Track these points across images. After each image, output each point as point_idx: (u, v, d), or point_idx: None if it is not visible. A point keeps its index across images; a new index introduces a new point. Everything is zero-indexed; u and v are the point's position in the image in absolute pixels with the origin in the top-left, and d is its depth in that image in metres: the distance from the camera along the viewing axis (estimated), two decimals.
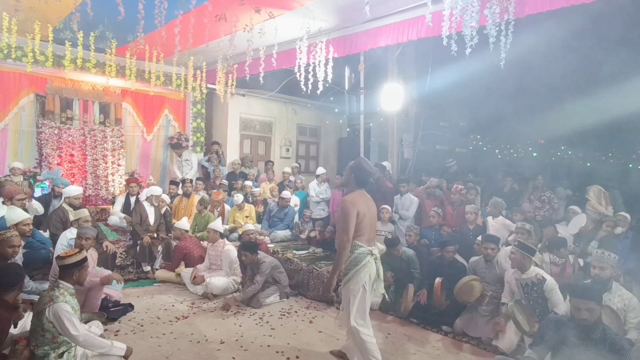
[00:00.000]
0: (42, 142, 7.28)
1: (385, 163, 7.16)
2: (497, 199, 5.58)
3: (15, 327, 3.02)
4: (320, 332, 4.19)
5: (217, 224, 5.63)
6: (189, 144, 8.89)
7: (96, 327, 3.49)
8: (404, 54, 7.37)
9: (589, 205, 5.64)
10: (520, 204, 6.06)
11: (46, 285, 4.26)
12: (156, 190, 6.44)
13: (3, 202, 4.90)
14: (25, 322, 3.37)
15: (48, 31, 5.78)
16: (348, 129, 11.22)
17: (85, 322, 3.52)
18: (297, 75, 5.91)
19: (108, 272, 4.73)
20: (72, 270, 3.14)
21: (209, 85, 8.11)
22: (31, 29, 5.58)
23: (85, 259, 3.29)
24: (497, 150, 10.21)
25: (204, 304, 4.91)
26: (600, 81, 7.14)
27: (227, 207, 7.30)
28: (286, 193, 7.18)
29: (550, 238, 4.64)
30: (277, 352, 3.73)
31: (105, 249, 5.23)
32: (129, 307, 4.53)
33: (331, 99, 9.96)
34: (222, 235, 5.67)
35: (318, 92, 6.05)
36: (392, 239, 4.80)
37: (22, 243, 4.22)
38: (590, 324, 2.61)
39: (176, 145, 8.60)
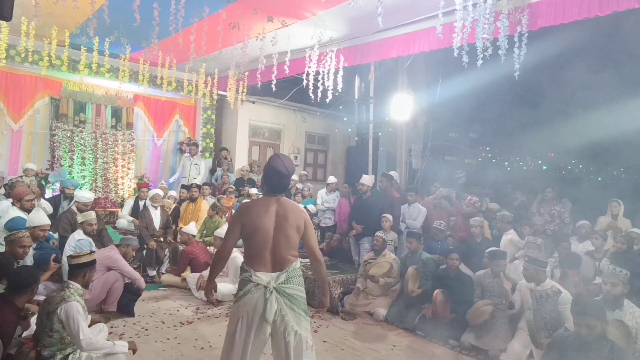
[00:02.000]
0: (55, 144, 7.41)
1: (392, 173, 7.14)
2: (505, 213, 5.52)
3: (20, 335, 3.03)
4: (324, 341, 4.15)
5: (223, 231, 5.64)
6: (198, 149, 8.98)
7: (100, 330, 3.49)
8: (414, 64, 7.39)
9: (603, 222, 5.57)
10: (529, 218, 5.99)
11: (52, 286, 4.30)
12: (156, 191, 6.53)
13: (12, 203, 4.97)
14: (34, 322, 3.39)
15: (65, 36, 5.91)
16: (357, 138, 11.24)
17: (89, 325, 3.53)
18: (307, 84, 5.96)
19: (136, 273, 4.80)
20: (82, 271, 3.17)
21: (220, 92, 8.21)
22: (48, 33, 5.72)
23: (94, 261, 3.32)
24: (506, 163, 10.14)
25: (209, 309, 4.89)
26: (612, 94, 7.09)
27: (234, 213, 7.30)
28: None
29: (567, 255, 4.57)
30: None
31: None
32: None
33: (340, 107, 10.00)
34: None
35: (327, 100, 6.08)
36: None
37: (34, 244, 4.26)
38: (593, 340, 2.55)
39: (194, 146, 8.69)
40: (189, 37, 5.04)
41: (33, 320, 3.34)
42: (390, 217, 5.91)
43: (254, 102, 9.56)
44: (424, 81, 8.08)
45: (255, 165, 9.35)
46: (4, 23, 5.27)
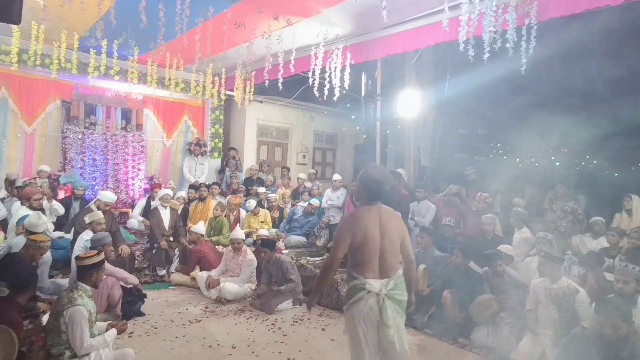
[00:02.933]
0: (67, 146, 7.52)
1: (400, 170, 7.08)
2: (519, 209, 5.42)
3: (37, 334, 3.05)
4: (332, 340, 4.13)
5: (240, 233, 5.61)
6: (207, 149, 9.03)
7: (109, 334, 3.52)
8: (422, 59, 7.31)
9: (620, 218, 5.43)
10: (541, 214, 5.87)
11: (62, 282, 4.37)
12: (165, 191, 6.59)
13: (22, 203, 5.07)
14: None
15: (74, 39, 5.99)
16: (364, 136, 11.18)
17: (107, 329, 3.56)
18: (313, 82, 5.93)
19: (124, 272, 4.83)
20: (90, 272, 3.20)
21: (227, 92, 8.23)
22: (58, 37, 5.80)
23: (103, 261, 3.35)
24: (517, 159, 9.96)
25: (217, 308, 4.93)
26: (628, 87, 6.90)
27: (242, 212, 7.35)
28: (315, 201, 7.19)
29: (588, 252, 4.47)
30: (288, 358, 3.69)
31: (119, 252, 5.32)
32: (144, 297, 4.62)
33: (348, 105, 9.96)
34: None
35: (335, 98, 6.05)
36: None
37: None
38: (616, 340, 2.48)
39: (197, 146, 8.75)
40: (194, 38, 5.06)
41: (45, 318, 3.40)
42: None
43: (261, 102, 9.57)
44: (432, 77, 7.98)
45: (264, 164, 9.39)
46: (15, 27, 5.36)
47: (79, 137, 7.64)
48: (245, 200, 7.67)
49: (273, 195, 7.88)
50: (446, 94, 7.56)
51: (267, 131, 10.02)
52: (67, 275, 4.83)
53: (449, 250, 5.17)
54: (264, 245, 5.12)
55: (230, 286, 5.17)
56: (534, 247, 4.79)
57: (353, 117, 10.68)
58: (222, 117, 9.55)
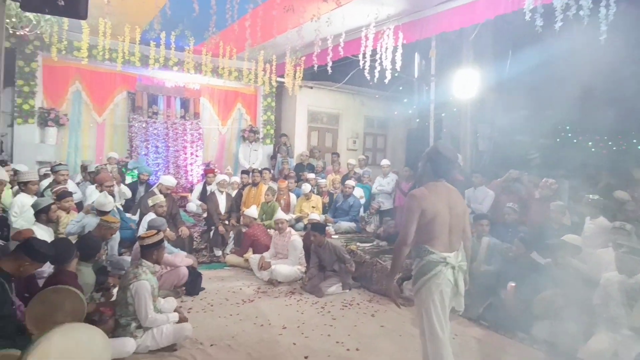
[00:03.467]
0: (132, 134, 8.09)
1: None
2: (595, 197, 4.92)
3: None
4: (382, 326, 4.08)
5: (283, 215, 5.76)
6: (259, 136, 9.24)
7: (170, 303, 3.77)
8: (481, 36, 6.80)
9: None
10: (618, 203, 5.28)
11: (127, 259, 4.74)
12: (222, 177, 6.86)
13: (96, 187, 5.53)
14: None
15: (136, 33, 6.35)
16: (417, 120, 10.76)
17: (163, 297, 3.84)
18: (364, 65, 5.78)
19: (183, 253, 5.12)
20: (151, 250, 3.43)
21: (278, 79, 8.32)
22: (122, 32, 6.18)
23: (162, 240, 3.57)
24: (590, 143, 9.04)
25: (269, 289, 5.07)
26: None
27: (293, 196, 7.46)
28: (349, 182, 7.15)
29: None
30: (337, 342, 3.70)
31: (179, 233, 5.65)
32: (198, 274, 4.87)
33: (400, 88, 9.63)
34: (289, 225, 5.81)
35: (386, 81, 5.86)
36: None
37: None
38: None
39: (252, 132, 8.99)
40: (244, 25, 5.13)
41: (115, 292, 3.70)
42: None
43: (311, 87, 9.56)
44: (492, 54, 7.42)
45: (315, 150, 9.43)
46: (84, 24, 5.79)
47: (143, 125, 8.16)
48: (297, 186, 7.78)
49: (323, 181, 7.90)
50: (508, 71, 7.00)
51: (318, 117, 10.02)
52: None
53: (509, 239, 4.85)
54: (314, 229, 5.16)
55: (282, 268, 5.28)
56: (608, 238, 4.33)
57: (405, 100, 10.32)
58: (273, 104, 9.70)
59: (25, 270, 2.68)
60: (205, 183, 7.44)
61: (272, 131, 9.74)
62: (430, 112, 7.63)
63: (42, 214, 4.23)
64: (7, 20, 5.23)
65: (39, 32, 6.07)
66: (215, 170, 8.09)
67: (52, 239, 3.99)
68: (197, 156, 8.73)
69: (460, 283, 2.58)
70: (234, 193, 7.06)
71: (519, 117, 8.05)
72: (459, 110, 7.66)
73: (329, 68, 5.95)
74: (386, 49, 5.73)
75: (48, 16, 5.72)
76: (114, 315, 3.26)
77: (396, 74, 5.86)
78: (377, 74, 5.82)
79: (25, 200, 4.53)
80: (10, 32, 5.70)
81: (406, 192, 6.65)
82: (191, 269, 4.76)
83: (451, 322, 4.09)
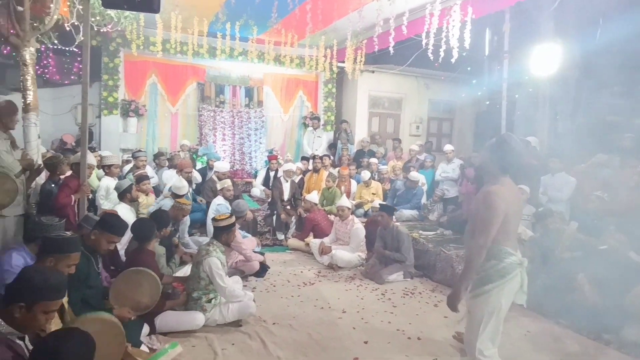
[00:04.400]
0: (202, 123, 8.58)
1: (531, 138, 6.18)
2: None
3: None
4: (445, 317, 3.91)
5: (346, 201, 5.74)
6: (320, 122, 9.29)
7: (236, 282, 3.96)
8: (564, 3, 6.09)
9: None
10: None
11: (200, 239, 5.06)
12: (290, 166, 6.98)
13: (176, 172, 5.98)
14: (186, 270, 4.05)
15: (204, 25, 6.64)
16: (487, 102, 10.05)
17: (230, 276, 4.05)
18: (428, 45, 5.47)
19: (252, 239, 5.33)
20: (222, 232, 3.62)
21: (339, 64, 8.24)
22: (191, 24, 6.51)
23: (233, 224, 3.74)
24: None
25: (329, 273, 5.11)
26: None
27: (353, 183, 7.42)
28: (414, 174, 6.92)
29: None
30: (397, 329, 3.63)
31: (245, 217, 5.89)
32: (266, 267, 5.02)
33: (468, 69, 9.03)
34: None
35: (453, 60, 5.50)
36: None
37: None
38: None
39: (315, 119, 9.10)
40: (305, 9, 5.11)
41: (187, 268, 3.98)
42: (526, 188, 5.18)
43: (373, 72, 9.35)
44: (577, 25, 6.60)
45: (376, 136, 9.26)
46: (158, 19, 6.18)
47: (211, 114, 8.61)
48: (357, 172, 7.72)
49: (384, 167, 7.76)
50: (597, 43, 6.20)
51: (379, 102, 9.80)
52: (204, 234, 5.58)
53: (595, 234, 4.36)
54: (383, 209, 5.10)
55: (342, 253, 5.30)
56: None
57: (474, 81, 9.66)
58: (334, 90, 9.66)
59: (100, 244, 2.90)
60: (269, 169, 7.68)
61: (332, 118, 9.73)
62: (502, 93, 7.07)
63: (125, 194, 4.63)
64: (92, 19, 5.75)
65: (119, 28, 6.61)
66: (278, 156, 8.31)
67: (134, 216, 4.39)
68: (260, 143, 9.03)
69: (525, 281, 2.45)
70: (296, 179, 7.19)
71: (609, 95, 7.12)
72: (535, 90, 7.02)
73: (391, 50, 5.73)
74: (453, 26, 5.36)
75: (127, 13, 6.19)
76: (184, 290, 3.51)
77: (464, 53, 5.48)
78: (442, 54, 5.49)
79: (110, 183, 5.00)
80: (95, 29, 6.27)
81: (472, 180, 6.28)
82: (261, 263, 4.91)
83: (524, 318, 3.87)
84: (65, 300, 2.28)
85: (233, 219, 3.75)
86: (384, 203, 5.64)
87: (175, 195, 4.96)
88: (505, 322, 2.52)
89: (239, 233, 4.66)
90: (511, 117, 8.19)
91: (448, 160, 7.37)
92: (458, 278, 2.56)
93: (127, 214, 4.24)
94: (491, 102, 9.90)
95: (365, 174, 7.12)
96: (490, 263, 2.39)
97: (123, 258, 3.79)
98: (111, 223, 2.94)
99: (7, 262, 2.53)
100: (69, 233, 2.51)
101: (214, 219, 3.78)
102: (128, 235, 3.51)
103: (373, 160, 7.84)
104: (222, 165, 6.44)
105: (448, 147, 7.45)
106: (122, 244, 3.85)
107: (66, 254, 2.33)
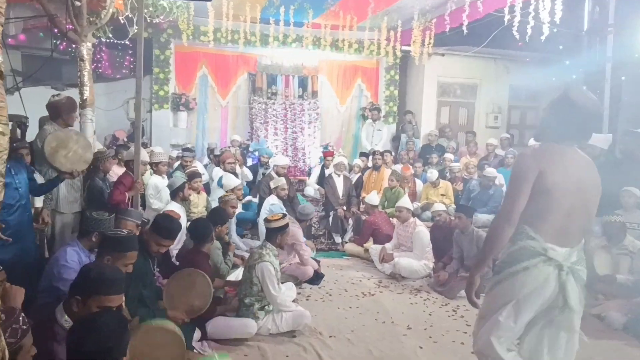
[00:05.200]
0: (253, 116, 8.89)
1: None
2: None
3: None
4: None
5: (406, 201, 5.64)
6: (381, 114, 9.19)
7: (289, 289, 4.06)
8: None
9: None
10: None
11: (252, 243, 5.24)
12: (340, 159, 7.06)
13: (221, 167, 6.27)
14: (237, 274, 4.22)
15: (257, 11, 6.85)
16: (585, 87, 9.32)
17: (282, 283, 4.15)
18: (511, 21, 5.18)
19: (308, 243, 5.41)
20: (275, 234, 3.73)
21: (404, 47, 8.08)
22: (243, 11, 6.74)
23: (287, 225, 3.84)
24: None
25: (392, 283, 5.05)
26: None
27: (419, 183, 7.26)
28: (490, 171, 6.62)
29: None
30: (472, 352, 3.48)
31: None
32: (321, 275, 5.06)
33: (560, 47, 8.41)
34: (413, 214, 5.69)
35: (542, 38, 5.16)
36: None
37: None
38: None
39: (375, 110, 9.04)
40: None
41: (239, 272, 4.14)
42: (636, 191, 4.75)
43: (443, 55, 9.07)
44: None
45: (446, 129, 9.00)
46: (210, 7, 6.47)
47: (263, 107, 8.88)
48: (423, 170, 7.54)
49: (456, 164, 7.48)
50: None
51: (450, 89, 9.51)
52: (256, 235, 5.77)
53: None
54: (460, 209, 4.99)
55: (406, 262, 5.20)
56: None
57: (567, 62, 8.99)
58: (397, 77, 9.53)
59: (149, 245, 3.09)
60: (324, 166, 7.75)
61: (395, 108, 9.59)
62: (605, 75, 6.51)
63: (177, 193, 4.87)
64: (145, 10, 6.17)
65: (171, 19, 7.03)
66: (334, 152, 8.35)
67: (185, 216, 4.65)
68: (314, 137, 9.15)
69: (573, 292, 1.99)
70: (355, 177, 7.18)
71: None
72: None
73: (464, 29, 5.51)
74: None
75: (179, 2, 6.57)
76: (236, 295, 3.66)
77: (555, 30, 5.12)
78: (529, 32, 5.17)
79: (157, 181, 5.25)
80: (148, 20, 6.72)
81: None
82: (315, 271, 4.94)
83: (631, 349, 3.54)
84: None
85: (286, 220, 3.84)
86: (444, 211, 5.51)
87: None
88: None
89: (302, 235, 4.78)
90: (616, 104, 7.54)
91: None
92: (474, 264, 2.30)
93: (178, 213, 4.51)
94: (589, 86, 9.09)
95: (433, 174, 6.91)
96: (507, 246, 2.11)
97: (174, 259, 4.03)
98: (163, 225, 3.12)
99: (62, 257, 2.81)
100: (125, 231, 2.73)
101: (266, 220, 3.90)
102: (181, 236, 3.73)
103: (448, 155, 7.63)
104: (281, 160, 6.57)
105: (534, 142, 6.99)
106: (174, 245, 4.09)
107: (123, 252, 2.53)
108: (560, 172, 2.01)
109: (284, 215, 3.93)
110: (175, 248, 4.17)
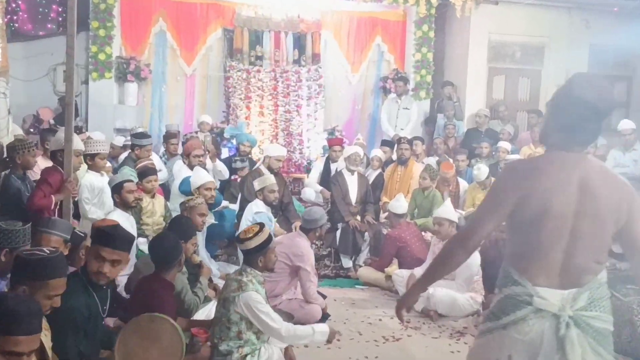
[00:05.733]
0: (230, 89, 8.89)
1: None
2: None
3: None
4: None
5: (448, 210, 5.60)
6: (408, 87, 9.16)
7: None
8: None
9: None
10: None
11: (229, 268, 5.20)
12: (354, 149, 7.06)
13: (183, 161, 6.22)
14: (208, 311, 4.19)
15: None
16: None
17: None
18: None
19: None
20: (255, 256, 3.68)
21: None
22: None
23: (270, 239, 3.80)
24: None
25: (424, 324, 5.05)
26: None
27: (462, 183, 7.24)
28: None
29: None
30: None
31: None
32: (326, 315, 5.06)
33: None
34: (457, 228, 5.66)
35: None
36: None
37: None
38: None
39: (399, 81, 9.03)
40: None
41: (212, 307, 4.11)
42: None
43: (496, 3, 9.15)
44: None
45: (500, 107, 8.97)
46: None
47: (244, 76, 8.87)
48: (469, 165, 7.51)
49: (514, 156, 7.47)
50: None
51: (506, 52, 9.58)
52: (233, 255, 5.75)
53: None
54: None
55: (444, 294, 5.20)
56: None
57: None
58: (432, 34, 9.52)
59: (92, 266, 3.03)
60: (329, 159, 7.72)
61: (428, 79, 9.58)
62: None
63: (115, 196, 4.74)
64: None
65: None
66: (344, 140, 8.32)
67: (134, 229, 4.61)
68: (316, 119, 9.13)
69: (572, 351, 2.03)
70: (373, 175, 7.14)
71: None
72: None
73: None
74: None
75: None
76: (207, 340, 3.62)
77: None
78: None
79: (95, 180, 5.11)
80: None
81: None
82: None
83: None
84: (48, 344, 2.44)
85: (266, 232, 3.77)
86: None
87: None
88: None
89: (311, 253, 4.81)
90: None
91: (626, 145, 7.11)
92: (416, 281, 2.52)
93: (123, 225, 4.46)
94: None
95: (481, 170, 6.88)
96: (496, 294, 2.27)
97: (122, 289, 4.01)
98: (107, 230, 3.06)
99: None
100: (47, 250, 2.68)
101: (237, 239, 3.86)
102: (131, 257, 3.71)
103: (503, 144, 7.64)
104: (276, 150, 6.58)
105: (626, 124, 7.11)
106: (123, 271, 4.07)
107: (43, 280, 2.49)
108: (547, 196, 2.08)
109: (261, 227, 3.85)
110: (124, 274, 4.14)
